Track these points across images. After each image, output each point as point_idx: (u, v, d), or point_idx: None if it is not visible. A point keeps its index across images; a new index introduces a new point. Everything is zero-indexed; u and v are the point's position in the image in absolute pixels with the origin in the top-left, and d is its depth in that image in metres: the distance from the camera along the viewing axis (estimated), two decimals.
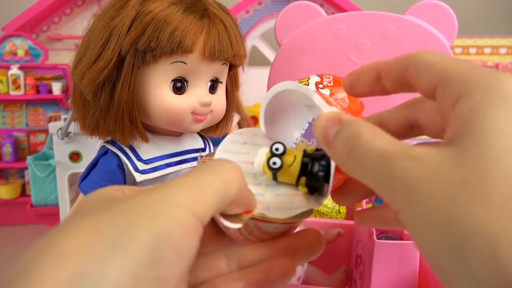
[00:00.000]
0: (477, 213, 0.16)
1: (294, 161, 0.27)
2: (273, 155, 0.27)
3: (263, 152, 0.28)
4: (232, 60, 0.50)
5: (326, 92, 0.56)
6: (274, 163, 0.27)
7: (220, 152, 0.30)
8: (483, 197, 0.17)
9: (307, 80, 0.57)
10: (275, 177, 0.27)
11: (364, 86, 0.27)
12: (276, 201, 0.27)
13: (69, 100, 0.53)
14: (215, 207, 0.21)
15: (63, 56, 1.39)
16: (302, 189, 0.27)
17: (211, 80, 0.50)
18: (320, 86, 0.56)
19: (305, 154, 0.27)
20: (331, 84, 0.56)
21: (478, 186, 0.17)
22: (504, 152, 0.17)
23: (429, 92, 0.22)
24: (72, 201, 0.99)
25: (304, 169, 0.26)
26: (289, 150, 0.27)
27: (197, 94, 0.49)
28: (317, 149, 0.28)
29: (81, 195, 0.50)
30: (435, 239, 0.18)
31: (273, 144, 0.27)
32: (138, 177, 0.49)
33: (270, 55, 1.41)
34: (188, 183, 0.20)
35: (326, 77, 0.57)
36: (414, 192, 0.18)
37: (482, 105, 0.19)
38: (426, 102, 0.23)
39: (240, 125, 1.20)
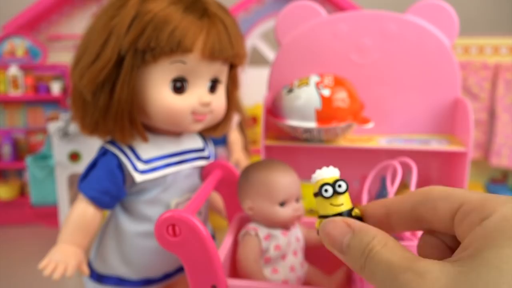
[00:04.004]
0: None
1: (337, 206, 0.29)
2: (332, 184, 0.29)
3: (330, 173, 0.30)
4: (232, 59, 0.50)
5: (326, 92, 0.55)
6: (326, 190, 0.29)
7: None
8: None
9: (307, 80, 0.57)
10: (315, 195, 0.30)
11: (371, 222, 0.27)
12: None
13: (69, 100, 0.53)
14: None
15: (63, 56, 1.39)
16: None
17: (211, 80, 0.50)
18: (320, 86, 0.56)
19: (348, 212, 0.29)
20: (331, 84, 0.56)
21: None
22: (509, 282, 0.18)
23: (445, 221, 0.23)
24: (72, 201, 0.99)
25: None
26: (347, 194, 0.29)
27: (197, 94, 0.49)
28: (358, 218, 0.29)
29: (80, 195, 0.50)
30: None
31: (341, 179, 0.30)
32: (138, 177, 0.49)
33: (270, 55, 1.41)
34: None
35: (326, 77, 0.57)
36: None
37: (498, 234, 0.20)
38: (434, 204, 0.24)
39: (240, 125, 1.20)
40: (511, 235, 0.20)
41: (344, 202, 0.29)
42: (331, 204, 0.29)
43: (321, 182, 0.30)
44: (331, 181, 0.29)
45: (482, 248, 0.20)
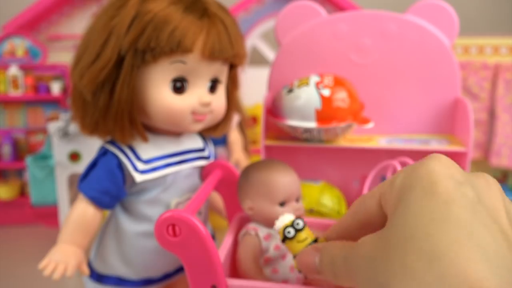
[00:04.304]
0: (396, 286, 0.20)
1: (303, 241, 0.34)
2: (292, 225, 0.35)
3: (289, 218, 0.36)
4: (232, 59, 0.50)
5: (326, 92, 0.55)
6: (289, 232, 0.35)
7: None
8: (401, 273, 0.20)
9: (307, 80, 0.57)
10: (283, 241, 0.35)
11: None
12: None
13: (69, 100, 0.53)
14: None
15: (63, 56, 1.39)
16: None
17: (211, 80, 0.50)
18: (320, 86, 0.56)
19: (314, 242, 0.34)
20: (331, 84, 0.56)
21: (396, 263, 0.21)
22: (416, 231, 0.21)
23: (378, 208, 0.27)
24: (72, 201, 0.99)
25: None
26: (307, 229, 0.35)
27: (197, 94, 0.49)
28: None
29: (80, 195, 0.50)
30: None
31: (297, 217, 0.36)
32: (138, 177, 0.49)
33: (270, 55, 1.41)
34: None
35: (326, 77, 0.57)
36: (359, 271, 0.24)
37: (401, 192, 0.24)
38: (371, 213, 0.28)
39: (240, 125, 1.20)
40: (411, 191, 0.23)
41: (308, 236, 0.34)
42: (298, 242, 0.34)
43: (283, 228, 0.35)
44: (290, 223, 0.35)
45: (392, 211, 0.24)
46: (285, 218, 0.36)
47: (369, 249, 0.24)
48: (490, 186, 0.23)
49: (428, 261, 0.20)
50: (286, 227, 0.35)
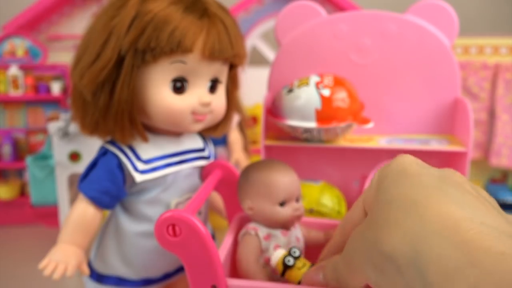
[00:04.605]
0: (383, 237, 0.24)
1: (302, 267, 0.37)
2: (289, 254, 0.38)
3: (282, 252, 0.39)
4: (232, 60, 0.50)
5: (326, 92, 0.55)
6: (289, 261, 0.38)
7: None
8: (386, 227, 0.24)
9: (307, 80, 0.57)
10: (283, 273, 0.38)
11: None
12: None
13: (69, 100, 0.53)
14: None
15: (63, 56, 1.39)
16: None
17: (211, 80, 0.50)
18: (320, 86, 0.56)
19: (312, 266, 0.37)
20: (331, 84, 0.56)
21: (381, 222, 0.25)
22: (393, 198, 0.25)
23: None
24: (72, 201, 0.99)
25: None
26: (302, 258, 0.38)
27: (197, 94, 0.49)
28: None
29: (80, 195, 0.50)
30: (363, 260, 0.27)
31: (292, 247, 0.39)
32: (138, 177, 0.49)
33: (270, 55, 1.41)
34: None
35: (326, 77, 0.57)
36: (354, 256, 0.28)
37: (378, 184, 0.28)
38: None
39: (240, 125, 1.20)
40: (385, 179, 0.27)
41: (305, 263, 0.37)
42: (298, 269, 0.37)
43: (282, 258, 0.38)
44: (286, 253, 0.39)
45: (371, 201, 0.28)
46: (278, 253, 0.39)
47: (358, 231, 0.28)
48: (455, 173, 0.27)
49: (407, 211, 0.23)
50: (284, 257, 0.38)
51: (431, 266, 0.21)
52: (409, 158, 0.29)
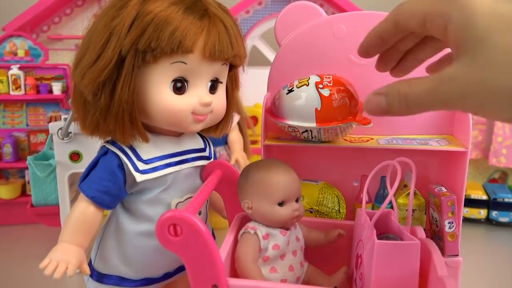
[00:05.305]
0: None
1: None
2: None
3: None
4: (232, 60, 0.50)
5: (326, 92, 0.56)
6: None
7: None
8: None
9: (307, 80, 0.57)
10: None
11: (377, 51, 0.42)
12: None
13: (70, 100, 0.53)
14: None
15: (64, 56, 1.39)
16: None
17: (211, 80, 0.50)
18: (320, 86, 0.56)
19: None
20: (331, 84, 0.56)
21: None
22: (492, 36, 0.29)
23: (420, 27, 0.34)
24: (72, 201, 0.99)
25: None
26: None
27: (197, 94, 0.49)
28: None
29: (81, 195, 0.50)
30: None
31: None
32: (138, 177, 0.49)
33: (270, 55, 1.41)
34: None
35: (326, 77, 0.57)
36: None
37: (463, 23, 0.30)
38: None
39: (240, 125, 1.20)
40: (473, 15, 0.30)
41: None
42: None
43: None
44: None
45: (464, 40, 0.31)
46: None
47: (458, 71, 0.31)
48: None
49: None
50: None
51: None
52: None
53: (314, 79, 0.57)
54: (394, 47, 0.42)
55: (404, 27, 0.37)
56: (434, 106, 0.34)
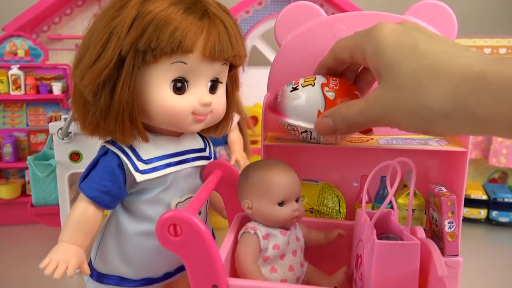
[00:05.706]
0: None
1: None
2: None
3: None
4: (232, 60, 0.50)
5: (331, 95, 0.55)
6: None
7: None
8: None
9: (313, 80, 0.57)
10: None
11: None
12: None
13: (70, 100, 0.53)
14: None
15: (64, 56, 1.39)
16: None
17: (211, 80, 0.50)
18: (326, 88, 0.55)
19: None
20: (337, 88, 0.55)
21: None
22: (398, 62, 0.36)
23: (350, 58, 0.45)
24: (72, 201, 0.99)
25: None
26: None
27: (197, 94, 0.49)
28: None
29: (81, 195, 0.50)
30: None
31: None
32: (139, 177, 0.49)
33: (270, 55, 1.41)
34: None
35: (332, 79, 0.56)
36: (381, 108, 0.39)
37: (375, 53, 0.38)
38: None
39: (240, 125, 1.20)
40: (388, 45, 0.37)
41: None
42: None
43: None
44: None
45: (382, 66, 0.38)
46: None
47: (371, 97, 0.39)
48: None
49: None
50: None
51: None
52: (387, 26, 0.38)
53: (320, 79, 0.56)
54: (346, 71, 0.51)
55: (341, 59, 0.47)
56: (367, 124, 0.40)
